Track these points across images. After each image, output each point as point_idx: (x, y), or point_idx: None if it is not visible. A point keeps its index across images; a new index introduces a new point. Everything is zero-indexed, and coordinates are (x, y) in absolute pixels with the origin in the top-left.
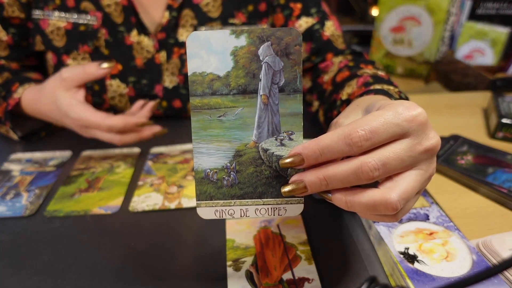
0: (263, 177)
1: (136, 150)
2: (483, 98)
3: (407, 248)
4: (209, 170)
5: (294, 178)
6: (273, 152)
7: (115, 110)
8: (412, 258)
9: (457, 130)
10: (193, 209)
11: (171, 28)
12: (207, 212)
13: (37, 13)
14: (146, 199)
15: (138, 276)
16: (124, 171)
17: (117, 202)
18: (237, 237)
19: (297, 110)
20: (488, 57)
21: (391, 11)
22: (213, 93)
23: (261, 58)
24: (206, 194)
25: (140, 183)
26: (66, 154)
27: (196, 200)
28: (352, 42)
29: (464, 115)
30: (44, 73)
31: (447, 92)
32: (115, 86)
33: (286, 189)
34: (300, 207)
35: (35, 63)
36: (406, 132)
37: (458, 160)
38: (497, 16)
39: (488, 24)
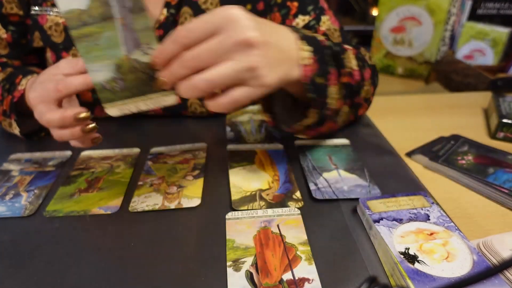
0: (141, 80)
1: (136, 150)
2: (483, 98)
3: (408, 248)
4: (103, 82)
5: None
6: (141, 60)
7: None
8: (412, 258)
9: (458, 130)
10: (193, 209)
11: (169, 25)
12: (113, 111)
13: (35, 9)
14: (146, 199)
15: (138, 276)
16: (123, 171)
17: (116, 202)
18: (237, 237)
19: (147, 25)
20: (488, 57)
21: (391, 11)
22: (84, 24)
23: None
24: (107, 99)
25: (140, 183)
26: (65, 154)
27: (102, 104)
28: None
29: (464, 115)
30: None
31: (448, 92)
32: None
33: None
34: (173, 98)
35: (36, 61)
36: (217, 27)
37: (458, 160)
38: (498, 16)
39: (488, 24)
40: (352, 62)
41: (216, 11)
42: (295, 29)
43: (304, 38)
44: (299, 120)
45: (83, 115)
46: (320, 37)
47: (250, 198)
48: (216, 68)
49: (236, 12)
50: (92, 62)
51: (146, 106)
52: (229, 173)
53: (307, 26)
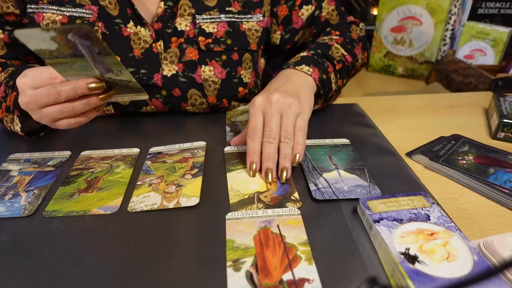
0: (119, 87)
1: (136, 150)
2: (484, 98)
3: (408, 249)
4: None
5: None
6: (115, 78)
7: (114, 103)
8: (412, 259)
9: (458, 130)
10: (192, 208)
11: (167, 17)
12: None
13: (31, 7)
14: (145, 199)
15: (137, 277)
16: (123, 171)
17: (116, 202)
18: (237, 238)
19: (117, 61)
20: (489, 57)
21: (392, 11)
22: (56, 57)
23: (73, 41)
24: None
25: (138, 183)
26: (65, 154)
27: None
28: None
29: (465, 115)
30: None
31: (448, 92)
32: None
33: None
34: (145, 96)
35: (34, 62)
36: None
37: (459, 160)
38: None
39: (489, 24)
40: (340, 50)
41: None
42: (290, 64)
43: (297, 64)
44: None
45: (94, 85)
46: (303, 53)
47: (248, 201)
48: (299, 146)
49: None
50: (70, 77)
51: (123, 99)
52: (226, 177)
53: (312, 16)
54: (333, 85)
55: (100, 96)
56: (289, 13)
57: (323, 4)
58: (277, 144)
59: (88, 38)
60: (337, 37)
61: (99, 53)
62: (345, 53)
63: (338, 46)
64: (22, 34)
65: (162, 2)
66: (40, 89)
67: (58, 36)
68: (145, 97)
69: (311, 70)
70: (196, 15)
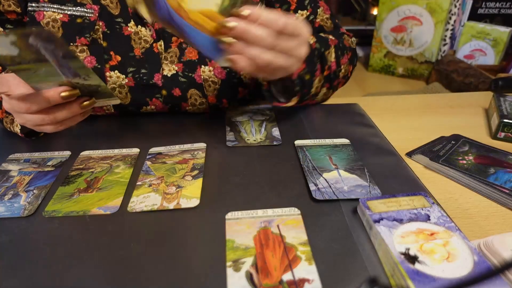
0: (86, 93)
1: (136, 150)
2: (484, 98)
3: (408, 249)
4: None
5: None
6: (83, 83)
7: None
8: (413, 259)
9: (459, 130)
10: (192, 209)
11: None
12: None
13: (32, 6)
14: (145, 200)
15: (137, 277)
16: (123, 171)
17: (116, 202)
18: (237, 238)
19: (83, 65)
20: (489, 57)
21: (392, 11)
22: (18, 63)
23: (33, 44)
24: None
25: (138, 183)
26: (65, 154)
27: None
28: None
29: (465, 115)
30: None
31: (448, 92)
32: (115, 78)
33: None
34: (117, 100)
35: None
36: (292, 32)
37: (459, 160)
38: (499, 15)
39: (489, 24)
40: (332, 55)
41: (298, 21)
42: None
43: None
44: (285, 103)
45: (67, 93)
46: (312, 40)
47: None
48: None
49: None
50: (35, 82)
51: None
52: None
53: (306, 21)
54: (313, 89)
55: (82, 104)
56: None
57: (318, 10)
58: None
59: (50, 41)
60: (333, 38)
61: (63, 56)
62: (333, 60)
63: (333, 49)
64: None
65: None
66: (14, 99)
67: (18, 40)
68: (116, 101)
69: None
70: None
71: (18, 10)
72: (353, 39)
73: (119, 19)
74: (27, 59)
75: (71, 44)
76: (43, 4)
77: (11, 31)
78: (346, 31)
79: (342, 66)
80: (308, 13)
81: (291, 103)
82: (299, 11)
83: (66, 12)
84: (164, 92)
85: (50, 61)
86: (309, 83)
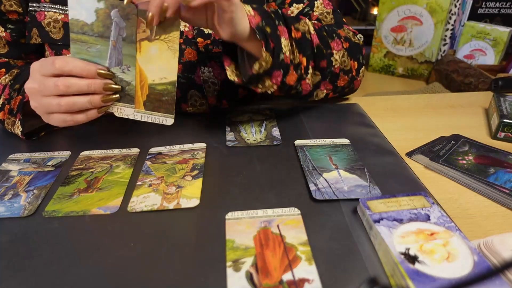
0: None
1: (136, 150)
2: (484, 98)
3: (408, 249)
4: None
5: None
6: (117, 76)
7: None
8: (413, 259)
9: (459, 130)
10: (192, 209)
11: None
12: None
13: (33, 5)
14: (145, 200)
15: (137, 277)
16: (123, 171)
17: (116, 202)
18: (237, 238)
19: (133, 53)
20: (489, 56)
21: (392, 11)
22: (83, 33)
23: (112, 18)
24: None
25: (138, 183)
26: (65, 154)
27: None
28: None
29: (465, 115)
30: None
31: (448, 92)
32: None
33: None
34: (130, 110)
35: (36, 60)
36: None
37: (459, 160)
38: (499, 15)
39: (489, 24)
40: (308, 26)
41: None
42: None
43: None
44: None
45: (103, 71)
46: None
47: None
48: None
49: None
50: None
51: (110, 109)
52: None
53: (301, 13)
54: (285, 49)
55: (103, 98)
56: None
57: (315, 3)
58: None
59: (126, 19)
60: (316, 22)
61: (124, 38)
62: (312, 32)
63: (309, 23)
64: None
65: None
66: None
67: (104, 8)
68: (129, 111)
69: (252, 13)
70: None
71: (20, 10)
72: (359, 36)
73: None
74: (94, 30)
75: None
76: (44, 4)
77: None
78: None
79: (334, 51)
80: (304, 6)
81: (263, 61)
82: (295, 4)
83: (67, 12)
84: None
85: (109, 40)
86: (274, 37)
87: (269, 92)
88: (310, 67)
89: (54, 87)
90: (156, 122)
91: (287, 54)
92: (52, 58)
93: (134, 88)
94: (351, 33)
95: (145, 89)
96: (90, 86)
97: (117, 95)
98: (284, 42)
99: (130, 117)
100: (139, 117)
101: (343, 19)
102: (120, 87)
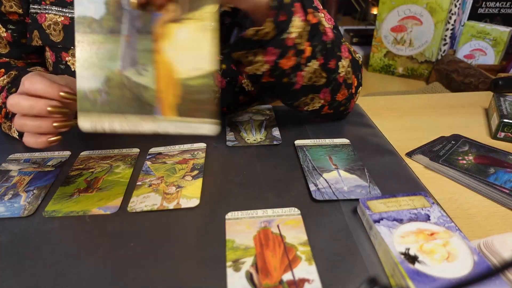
0: (125, 99)
1: (136, 150)
2: (484, 98)
3: (408, 249)
4: (87, 90)
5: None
6: (132, 79)
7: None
8: (413, 259)
9: (458, 130)
10: (192, 209)
11: None
12: (85, 123)
13: (34, 7)
14: (145, 200)
15: (137, 277)
16: (123, 171)
17: (116, 202)
18: (237, 238)
19: (149, 47)
20: (489, 56)
21: (392, 11)
22: (91, 32)
23: (124, 7)
24: (85, 109)
25: (138, 183)
26: (65, 154)
27: (78, 112)
28: (352, 42)
29: (465, 115)
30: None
31: (448, 92)
32: None
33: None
34: (152, 125)
35: (37, 61)
36: None
37: (459, 160)
38: (499, 15)
39: (489, 24)
40: (325, 22)
41: None
42: None
43: None
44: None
45: (53, 108)
46: None
47: None
48: None
49: None
50: (85, 68)
51: (121, 127)
52: None
53: None
54: (292, 30)
55: (55, 124)
56: None
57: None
58: None
59: (141, 7)
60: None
61: (139, 30)
62: (328, 26)
63: (326, 22)
64: None
65: None
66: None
67: None
68: (151, 125)
69: None
70: None
71: (20, 11)
72: (359, 55)
73: None
74: (103, 26)
75: (72, 48)
76: (45, 7)
77: None
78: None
79: (343, 56)
80: None
81: (265, 29)
82: None
83: (67, 14)
84: None
85: (121, 36)
86: (288, 12)
87: (259, 73)
88: (317, 63)
89: (10, 106)
90: (195, 132)
91: (293, 35)
92: (24, 77)
93: (155, 93)
94: (352, 49)
95: (176, 87)
96: (33, 108)
97: (73, 121)
98: (296, 23)
99: (158, 131)
100: (171, 128)
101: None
102: (73, 97)
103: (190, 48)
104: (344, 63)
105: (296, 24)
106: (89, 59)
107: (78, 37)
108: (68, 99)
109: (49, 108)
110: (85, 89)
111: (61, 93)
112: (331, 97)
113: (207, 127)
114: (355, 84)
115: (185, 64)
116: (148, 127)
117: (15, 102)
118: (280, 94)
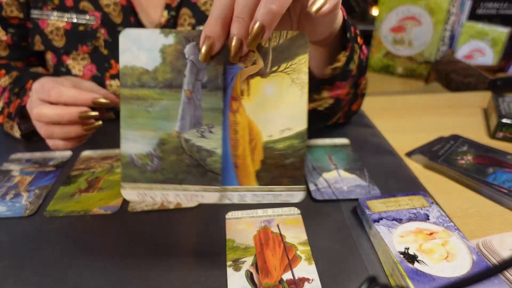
0: (183, 165)
1: None
2: (483, 98)
3: (407, 248)
4: (134, 155)
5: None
6: (194, 143)
7: (115, 110)
8: (412, 258)
9: (457, 130)
10: (193, 209)
11: (169, 27)
12: (130, 194)
13: (35, 13)
14: None
15: (138, 276)
16: None
17: (117, 202)
18: (237, 237)
19: (218, 106)
20: (488, 57)
21: (391, 11)
22: (141, 85)
23: (186, 56)
24: (131, 177)
25: None
26: (66, 154)
27: (121, 182)
28: None
29: (464, 115)
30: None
31: (447, 92)
32: (115, 87)
33: (203, 49)
34: (214, 196)
35: (36, 63)
36: None
37: (458, 160)
38: (497, 16)
39: (488, 24)
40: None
41: None
42: None
43: None
44: (330, 63)
45: (84, 114)
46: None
47: None
48: None
49: None
50: (132, 129)
51: (176, 198)
52: None
53: None
54: (355, 57)
55: (85, 127)
56: None
57: None
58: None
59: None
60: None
61: (205, 84)
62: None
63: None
64: (128, 35)
65: (166, 11)
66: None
67: (174, 44)
68: (215, 195)
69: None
70: (196, 26)
71: (21, 16)
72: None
73: (121, 28)
74: (158, 79)
75: (74, 51)
76: (46, 12)
77: (172, 30)
78: None
79: (363, 74)
80: None
81: (339, 63)
82: None
83: (68, 20)
84: None
85: (181, 91)
86: (353, 40)
87: (320, 109)
88: (352, 81)
89: (37, 117)
90: (277, 201)
91: (356, 62)
92: (48, 88)
93: (220, 159)
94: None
95: (258, 152)
96: (62, 117)
97: (100, 123)
98: (357, 47)
99: (225, 202)
100: (249, 198)
101: None
102: (96, 113)
103: (279, 106)
104: (364, 80)
105: (357, 51)
106: (138, 119)
107: (124, 92)
108: (100, 104)
109: (80, 115)
110: (131, 153)
111: (94, 101)
112: (348, 108)
113: (295, 195)
114: (360, 103)
115: (272, 125)
116: (211, 198)
117: (43, 113)
118: (317, 121)
